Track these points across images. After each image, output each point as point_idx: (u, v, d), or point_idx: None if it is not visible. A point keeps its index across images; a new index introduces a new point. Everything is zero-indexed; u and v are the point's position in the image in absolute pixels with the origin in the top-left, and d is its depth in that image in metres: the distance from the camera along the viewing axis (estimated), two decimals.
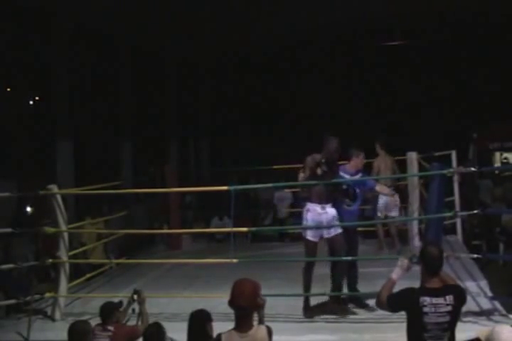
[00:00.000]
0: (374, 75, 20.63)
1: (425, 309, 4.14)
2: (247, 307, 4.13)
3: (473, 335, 4.27)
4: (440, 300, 4.16)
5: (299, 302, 7.08)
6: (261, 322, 4.26)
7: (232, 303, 4.17)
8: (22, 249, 9.68)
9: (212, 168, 19.00)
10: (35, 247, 9.96)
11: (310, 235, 7.13)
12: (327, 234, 7.11)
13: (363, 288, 7.40)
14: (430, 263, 4.27)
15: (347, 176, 7.43)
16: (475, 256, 7.45)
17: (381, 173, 10.27)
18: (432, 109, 20.68)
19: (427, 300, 4.16)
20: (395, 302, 4.33)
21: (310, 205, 7.13)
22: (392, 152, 10.58)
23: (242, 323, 4.15)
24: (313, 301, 7.10)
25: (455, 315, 4.21)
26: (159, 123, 18.39)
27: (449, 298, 4.17)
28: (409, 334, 4.28)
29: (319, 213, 7.09)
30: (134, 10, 13.34)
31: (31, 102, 16.04)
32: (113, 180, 11.00)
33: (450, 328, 4.19)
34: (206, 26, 15.23)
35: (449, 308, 4.15)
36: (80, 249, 9.14)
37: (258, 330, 4.15)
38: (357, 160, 7.62)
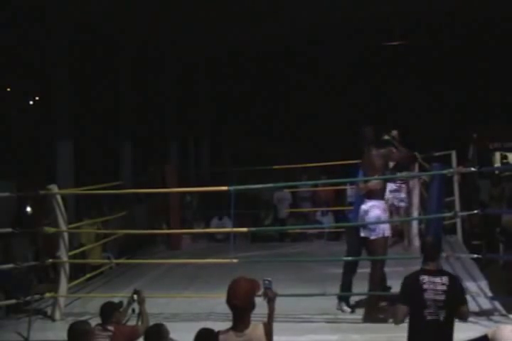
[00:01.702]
0: (374, 75, 20.63)
1: (424, 286, 4.86)
2: (241, 306, 4.12)
3: (472, 335, 4.42)
4: (437, 280, 4.89)
5: (299, 302, 7.06)
6: (270, 316, 4.24)
7: (227, 302, 4.17)
8: (22, 249, 9.66)
9: (212, 168, 18.99)
10: (35, 247, 9.95)
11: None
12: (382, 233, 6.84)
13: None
14: (428, 250, 5.09)
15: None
16: (475, 256, 7.46)
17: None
18: (432, 109, 20.68)
19: (425, 278, 4.90)
20: (402, 289, 5.01)
21: (377, 202, 6.82)
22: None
23: (239, 322, 4.15)
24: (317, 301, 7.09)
25: (451, 297, 4.83)
26: (159, 123, 18.39)
27: (444, 279, 4.90)
28: (412, 313, 4.90)
29: (384, 210, 6.90)
30: (134, 9, 13.35)
31: (31, 102, 16.06)
32: (113, 180, 11.00)
33: (446, 307, 4.81)
34: (206, 26, 15.23)
35: (444, 287, 4.85)
36: (78, 250, 9.12)
37: (255, 329, 4.14)
38: None
